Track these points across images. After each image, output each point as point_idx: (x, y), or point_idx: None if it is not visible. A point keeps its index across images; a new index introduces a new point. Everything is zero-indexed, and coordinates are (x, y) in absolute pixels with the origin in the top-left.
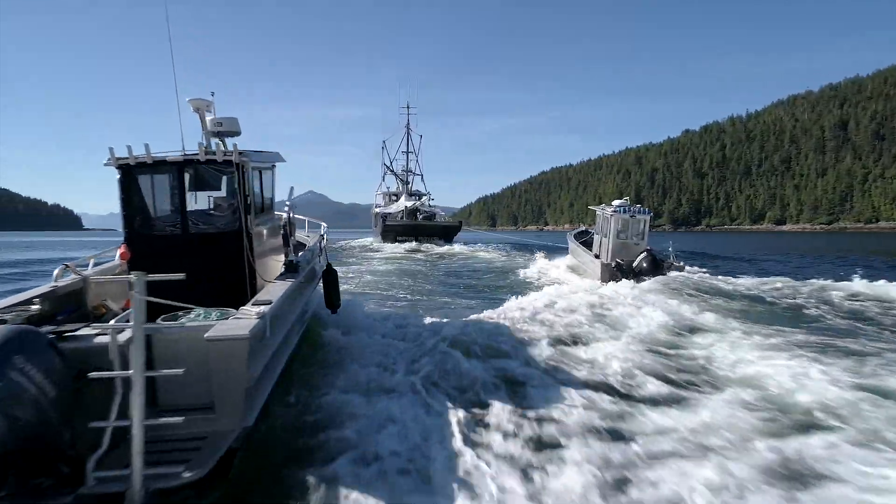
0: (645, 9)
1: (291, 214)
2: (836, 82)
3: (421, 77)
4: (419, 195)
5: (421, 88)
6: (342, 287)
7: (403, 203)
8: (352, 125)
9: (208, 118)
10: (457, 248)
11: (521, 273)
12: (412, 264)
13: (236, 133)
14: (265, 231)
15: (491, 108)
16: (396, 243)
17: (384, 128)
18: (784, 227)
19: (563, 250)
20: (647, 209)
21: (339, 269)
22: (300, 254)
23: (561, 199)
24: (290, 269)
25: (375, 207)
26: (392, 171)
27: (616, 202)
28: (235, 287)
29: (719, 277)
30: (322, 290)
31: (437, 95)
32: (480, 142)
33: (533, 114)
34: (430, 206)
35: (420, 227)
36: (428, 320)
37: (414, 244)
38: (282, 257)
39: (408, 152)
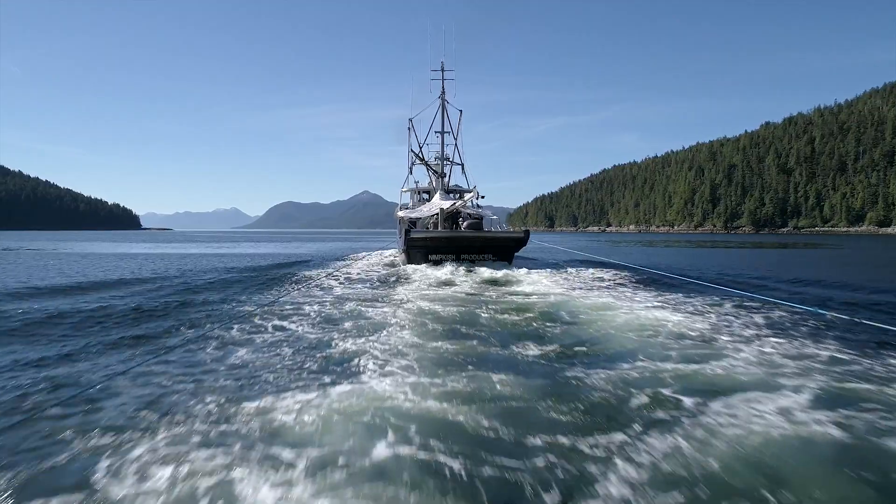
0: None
1: None
2: None
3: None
4: (459, 191)
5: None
6: None
7: (438, 203)
8: (403, 123)
9: None
10: (543, 280)
11: None
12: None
13: None
14: None
15: (546, 107)
16: (428, 265)
17: (413, 103)
18: (889, 230)
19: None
20: None
21: None
22: None
23: (625, 198)
24: None
25: (399, 209)
26: (422, 159)
27: None
28: None
29: None
30: None
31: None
32: (536, 141)
33: (588, 112)
34: (477, 206)
35: (462, 239)
36: None
37: (452, 266)
38: None
39: (443, 132)
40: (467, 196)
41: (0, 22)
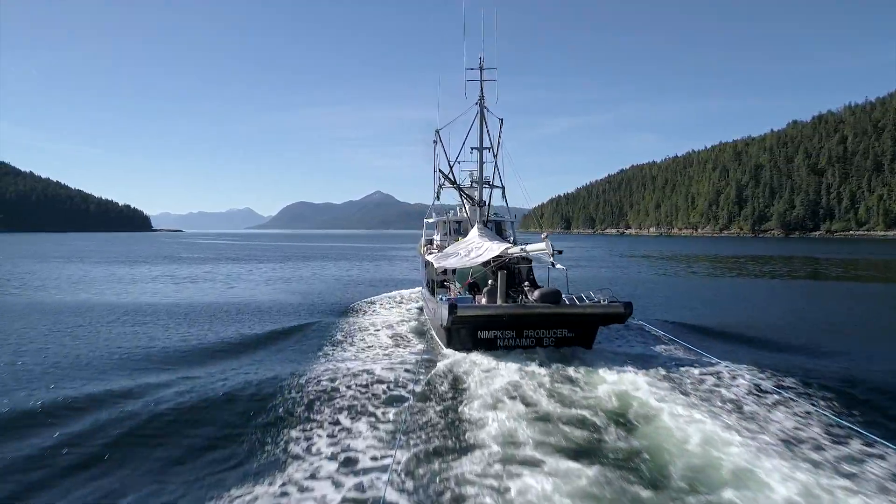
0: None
1: None
2: None
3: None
4: (498, 221)
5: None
6: None
7: (478, 241)
8: (421, 125)
9: None
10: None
11: None
12: None
13: None
14: None
15: (546, 107)
16: (477, 352)
17: (439, 109)
18: None
19: None
20: None
21: None
22: None
23: (645, 199)
24: None
25: (426, 252)
26: (453, 182)
27: None
28: None
29: None
30: None
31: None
32: (543, 142)
33: (590, 112)
34: (552, 265)
35: (533, 317)
36: None
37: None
38: None
39: (481, 148)
40: (533, 246)
41: (9, 22)
